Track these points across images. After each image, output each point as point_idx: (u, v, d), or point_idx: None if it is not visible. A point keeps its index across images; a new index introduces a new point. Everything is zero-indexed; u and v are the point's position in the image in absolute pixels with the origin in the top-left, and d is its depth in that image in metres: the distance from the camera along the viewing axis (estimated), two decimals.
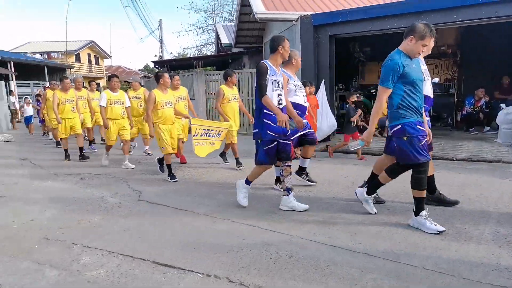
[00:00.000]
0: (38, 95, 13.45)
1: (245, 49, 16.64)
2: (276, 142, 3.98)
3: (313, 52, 8.51)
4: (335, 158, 6.96)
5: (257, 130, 4.05)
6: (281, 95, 4.04)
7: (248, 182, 4.24)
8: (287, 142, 4.06)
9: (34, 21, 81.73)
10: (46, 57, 32.58)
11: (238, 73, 12.00)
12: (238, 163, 6.23)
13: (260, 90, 3.90)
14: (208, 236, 3.39)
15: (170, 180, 5.51)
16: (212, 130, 5.85)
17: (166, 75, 5.83)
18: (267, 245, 3.16)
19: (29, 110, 13.51)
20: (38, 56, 31.26)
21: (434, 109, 10.05)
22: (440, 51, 11.08)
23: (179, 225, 3.70)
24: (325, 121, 7.70)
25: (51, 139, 10.56)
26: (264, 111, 3.95)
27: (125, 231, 3.57)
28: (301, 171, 5.06)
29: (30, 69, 22.83)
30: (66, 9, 61.42)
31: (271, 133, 3.95)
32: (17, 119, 15.69)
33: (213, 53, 25.72)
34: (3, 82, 16.97)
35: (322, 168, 6.02)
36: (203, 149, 5.74)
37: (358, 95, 9.67)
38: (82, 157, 7.44)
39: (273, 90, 3.94)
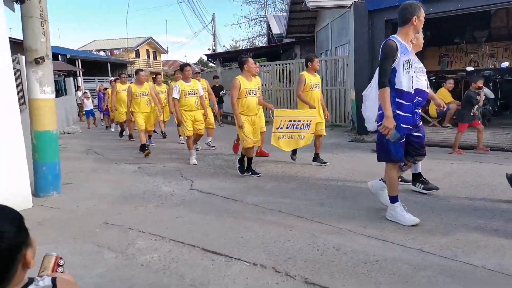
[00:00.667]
0: (105, 88, 13.92)
1: (297, 39, 16.43)
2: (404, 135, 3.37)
3: (368, 39, 8.17)
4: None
5: (381, 123, 3.28)
6: (413, 76, 3.34)
7: (394, 199, 3.39)
8: (419, 134, 3.54)
9: (98, 19, 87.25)
10: (109, 54, 34.71)
11: (289, 64, 11.91)
12: (318, 159, 5.75)
13: (382, 76, 3.20)
14: (256, 226, 3.42)
15: (253, 176, 5.19)
16: (298, 121, 5.37)
17: (251, 60, 5.26)
18: (315, 237, 3.12)
19: (89, 104, 13.94)
20: (102, 53, 33.43)
21: (502, 96, 9.21)
22: None
23: (227, 214, 3.78)
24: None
25: (115, 131, 11.33)
26: (397, 100, 3.28)
27: (177, 218, 3.72)
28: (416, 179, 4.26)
29: (94, 66, 24.51)
30: (126, 8, 64.44)
31: (405, 125, 3.32)
32: (83, 113, 16.81)
33: (264, 45, 25.71)
34: (71, 78, 18.41)
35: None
36: (289, 143, 5.44)
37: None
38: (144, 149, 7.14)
39: (404, 74, 3.24)
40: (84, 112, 14.57)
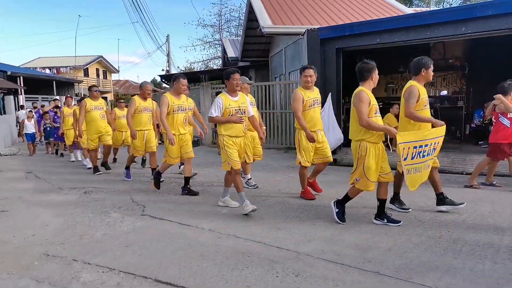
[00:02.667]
0: (56, 106, 11.73)
1: (251, 62, 16.72)
2: None
3: (320, 65, 8.48)
4: (342, 171, 6.83)
5: None
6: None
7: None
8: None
9: (45, 37, 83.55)
10: (55, 72, 33.08)
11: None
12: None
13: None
14: (213, 253, 3.28)
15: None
16: (425, 145, 3.90)
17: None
18: (273, 263, 3.04)
19: (30, 126, 11.21)
20: (47, 71, 31.78)
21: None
22: (448, 64, 11.00)
23: (182, 241, 3.60)
24: (331, 135, 7.61)
25: (74, 161, 9.27)
26: None
27: (127, 247, 3.48)
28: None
29: (39, 84, 23.13)
30: (76, 25, 62.43)
31: None
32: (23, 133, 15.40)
33: (219, 67, 25.90)
34: (11, 97, 17.22)
35: (328, 181, 5.90)
36: (416, 179, 3.90)
37: None
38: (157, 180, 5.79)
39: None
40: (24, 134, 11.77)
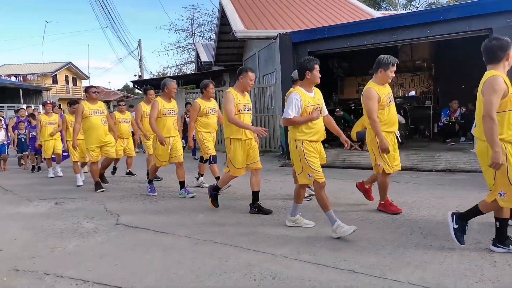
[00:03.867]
0: (31, 115, 9.98)
1: (225, 67, 16.74)
2: None
3: (293, 68, 8.58)
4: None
5: None
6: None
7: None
8: None
9: (9, 43, 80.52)
10: (21, 79, 31.92)
11: (219, 91, 12.05)
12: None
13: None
14: (190, 259, 3.26)
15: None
16: None
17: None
18: (251, 266, 3.06)
19: (0, 135, 9.62)
20: (13, 78, 30.63)
21: (412, 121, 10.28)
22: (416, 65, 11.40)
23: (159, 249, 3.55)
24: None
25: (53, 177, 8.05)
26: None
27: (102, 258, 3.40)
28: None
29: (4, 92, 22.28)
30: (43, 30, 60.54)
31: None
32: None
33: (193, 72, 25.75)
34: None
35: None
36: None
37: (337, 109, 9.79)
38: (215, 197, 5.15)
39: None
40: None
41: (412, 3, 32.02)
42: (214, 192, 4.81)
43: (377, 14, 14.77)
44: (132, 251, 3.53)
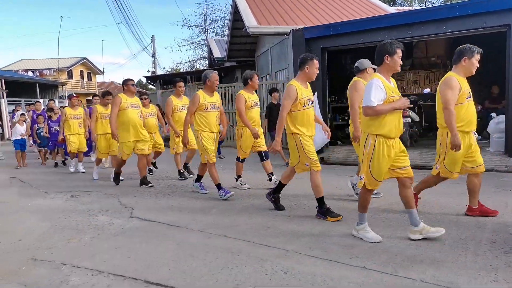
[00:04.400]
0: (50, 109, 9.87)
1: (238, 62, 16.74)
2: None
3: None
4: (329, 169, 6.93)
5: None
6: None
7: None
8: None
9: (27, 39, 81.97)
10: (38, 74, 32.47)
11: (231, 87, 12.07)
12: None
13: None
14: (202, 253, 3.30)
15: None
16: None
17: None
18: (262, 261, 3.09)
19: (20, 130, 9.24)
20: (30, 73, 31.18)
21: (427, 120, 10.14)
22: (431, 62, 11.23)
23: (172, 242, 3.61)
24: (318, 134, 7.68)
25: (73, 171, 7.98)
26: None
27: (116, 250, 3.48)
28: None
29: (21, 87, 22.70)
30: (59, 26, 61.44)
31: None
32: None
33: (205, 68, 25.84)
34: None
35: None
36: None
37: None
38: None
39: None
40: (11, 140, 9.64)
41: None
42: (274, 195, 4.56)
43: (392, 10, 14.57)
44: (145, 244, 3.59)
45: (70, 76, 34.88)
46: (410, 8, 23.28)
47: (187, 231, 3.93)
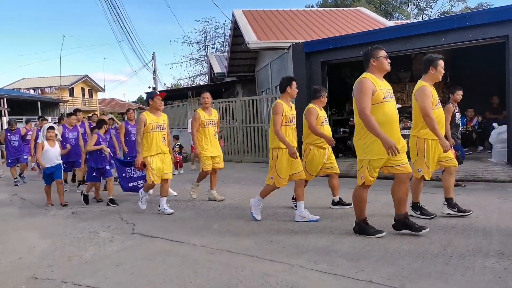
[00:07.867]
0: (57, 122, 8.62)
1: (238, 78, 16.87)
2: None
3: (306, 78, 8.61)
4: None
5: None
6: None
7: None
8: None
9: (29, 57, 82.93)
10: (39, 92, 32.73)
11: (232, 102, 12.13)
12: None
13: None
14: (206, 269, 3.25)
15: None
16: None
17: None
18: (267, 276, 3.03)
19: (54, 153, 6.30)
20: (31, 91, 31.42)
21: None
22: None
23: (174, 258, 3.56)
24: None
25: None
26: None
27: (118, 267, 3.42)
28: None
29: (23, 105, 22.87)
30: (60, 45, 62.16)
31: None
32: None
33: (206, 83, 26.03)
34: None
35: (317, 193, 5.92)
36: None
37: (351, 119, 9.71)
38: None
39: None
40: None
41: (425, 12, 31.91)
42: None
43: (390, 23, 14.74)
44: (148, 260, 3.54)
45: (71, 93, 35.14)
46: (408, 21, 23.56)
47: (189, 247, 3.88)
